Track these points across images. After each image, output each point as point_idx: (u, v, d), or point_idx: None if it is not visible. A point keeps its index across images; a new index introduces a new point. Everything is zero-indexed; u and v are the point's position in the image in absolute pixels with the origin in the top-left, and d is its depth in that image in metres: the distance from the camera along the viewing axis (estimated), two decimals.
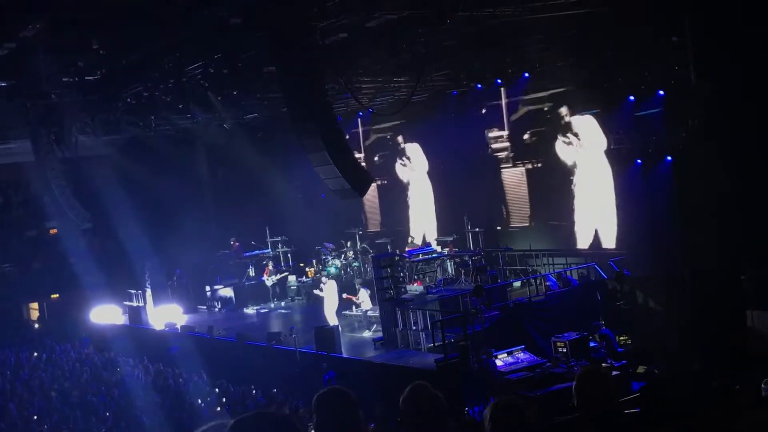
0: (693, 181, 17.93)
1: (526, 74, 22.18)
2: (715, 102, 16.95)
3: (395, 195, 29.62)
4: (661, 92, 19.40)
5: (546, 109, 23.52)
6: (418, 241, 27.40)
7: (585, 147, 22.70)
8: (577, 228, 23.48)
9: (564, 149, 23.37)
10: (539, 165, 24.58)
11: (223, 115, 24.47)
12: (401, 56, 20.00)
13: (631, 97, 20.18)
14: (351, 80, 20.28)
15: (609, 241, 22.50)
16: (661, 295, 18.12)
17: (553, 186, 23.93)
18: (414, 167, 29.11)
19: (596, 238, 22.96)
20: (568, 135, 23.08)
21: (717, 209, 16.81)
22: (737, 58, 16.06)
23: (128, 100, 22.58)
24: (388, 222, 29.47)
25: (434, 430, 4.23)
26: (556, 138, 23.46)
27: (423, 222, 29.09)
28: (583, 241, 23.30)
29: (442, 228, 27.26)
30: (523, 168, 24.97)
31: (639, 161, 20.29)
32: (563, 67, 21.46)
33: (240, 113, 25.76)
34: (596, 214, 22.85)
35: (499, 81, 22.69)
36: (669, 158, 19.46)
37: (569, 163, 23.34)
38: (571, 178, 23.40)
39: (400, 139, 29.38)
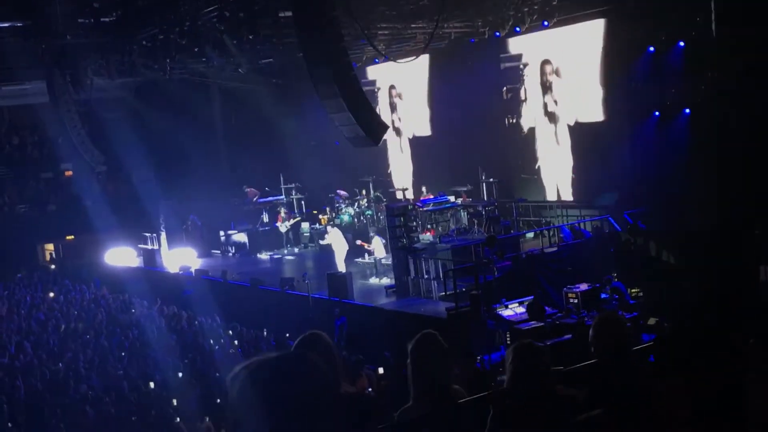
0: (710, 135, 17.78)
1: (546, 23, 21.87)
2: (736, 54, 16.71)
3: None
4: (681, 43, 19.13)
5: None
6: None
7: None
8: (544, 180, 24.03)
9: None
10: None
11: (239, 60, 24.31)
12: (418, 1, 19.74)
13: (651, 48, 19.91)
14: (368, 26, 20.06)
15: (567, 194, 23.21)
16: (675, 248, 18.09)
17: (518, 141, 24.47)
18: (403, 122, 29.05)
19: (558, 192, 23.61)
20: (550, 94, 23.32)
21: (733, 163, 16.69)
22: (760, 10, 15.79)
23: (143, 42, 22.45)
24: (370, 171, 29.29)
25: (440, 376, 4.32)
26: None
27: (402, 175, 29.20)
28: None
29: (439, 180, 27.22)
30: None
31: (657, 113, 20.10)
32: (582, 17, 21.24)
33: (255, 58, 25.59)
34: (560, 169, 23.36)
35: (517, 29, 22.38)
36: (687, 111, 19.27)
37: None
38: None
39: (394, 92, 29.19)
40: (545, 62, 23.17)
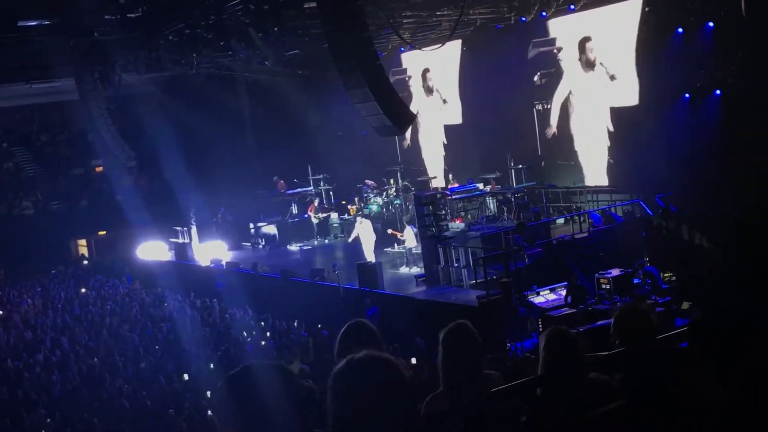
0: (741, 116, 17.55)
1: (572, 6, 21.67)
2: (765, 34, 16.47)
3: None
4: (711, 24, 18.88)
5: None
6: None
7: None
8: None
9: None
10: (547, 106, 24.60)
11: (265, 53, 24.37)
12: None
13: (680, 29, 19.67)
14: (392, 15, 20.00)
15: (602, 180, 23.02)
16: (707, 231, 17.89)
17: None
18: (442, 107, 28.90)
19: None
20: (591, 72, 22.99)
21: (765, 143, 16.47)
22: None
23: (170, 37, 22.56)
24: (405, 161, 29.25)
25: (471, 366, 4.33)
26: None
27: (434, 162, 29.15)
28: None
29: (468, 167, 27.09)
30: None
31: (687, 95, 19.87)
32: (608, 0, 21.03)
33: (281, 50, 25.65)
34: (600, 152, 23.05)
35: (544, 14, 22.19)
36: (718, 92, 19.03)
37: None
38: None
39: (428, 75, 29.05)
40: (585, 39, 22.78)
